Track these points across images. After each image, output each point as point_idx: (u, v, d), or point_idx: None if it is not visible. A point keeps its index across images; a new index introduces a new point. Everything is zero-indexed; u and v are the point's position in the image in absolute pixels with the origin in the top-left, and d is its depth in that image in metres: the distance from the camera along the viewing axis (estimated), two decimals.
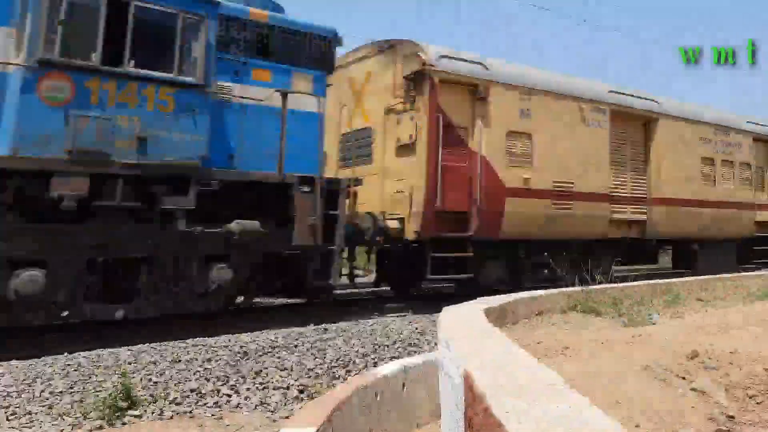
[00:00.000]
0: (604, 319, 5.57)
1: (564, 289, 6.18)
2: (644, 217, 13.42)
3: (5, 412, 4.56)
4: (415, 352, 7.03)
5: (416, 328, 7.95)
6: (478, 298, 5.07)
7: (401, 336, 7.47)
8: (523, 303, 5.38)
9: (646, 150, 13.73)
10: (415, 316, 8.96)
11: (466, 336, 3.13)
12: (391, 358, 6.65)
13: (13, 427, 4.40)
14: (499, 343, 3.01)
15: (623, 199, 13.07)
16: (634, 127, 13.58)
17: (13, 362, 5.87)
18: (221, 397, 5.28)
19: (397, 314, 9.10)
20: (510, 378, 2.09)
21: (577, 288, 6.29)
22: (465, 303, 4.79)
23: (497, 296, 5.36)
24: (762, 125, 16.85)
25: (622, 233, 13.11)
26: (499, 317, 4.58)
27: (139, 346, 6.51)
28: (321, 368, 6.20)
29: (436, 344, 7.34)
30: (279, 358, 6.26)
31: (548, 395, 1.82)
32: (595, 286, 6.40)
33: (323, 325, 7.78)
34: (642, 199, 13.48)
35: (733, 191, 15.49)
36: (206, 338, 6.93)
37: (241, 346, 6.51)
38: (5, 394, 4.93)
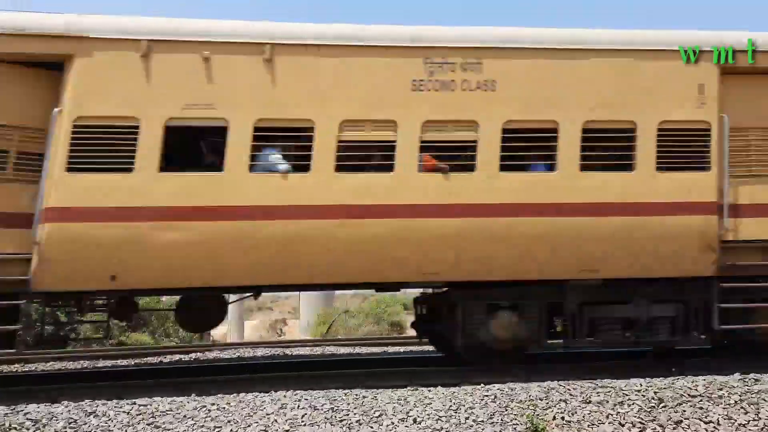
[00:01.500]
0: None
1: None
2: None
3: None
4: None
5: None
6: None
7: None
8: None
9: None
10: None
11: None
12: None
13: None
14: None
15: None
16: None
17: (439, 388, 6.57)
18: None
19: None
20: None
21: None
22: None
23: None
24: None
25: None
26: None
27: (548, 382, 6.60)
28: (755, 425, 5.34)
29: None
30: (701, 408, 5.61)
31: None
32: None
33: (752, 375, 6.69)
34: None
35: None
36: (614, 380, 6.64)
37: (655, 392, 6.03)
38: (436, 417, 5.53)
